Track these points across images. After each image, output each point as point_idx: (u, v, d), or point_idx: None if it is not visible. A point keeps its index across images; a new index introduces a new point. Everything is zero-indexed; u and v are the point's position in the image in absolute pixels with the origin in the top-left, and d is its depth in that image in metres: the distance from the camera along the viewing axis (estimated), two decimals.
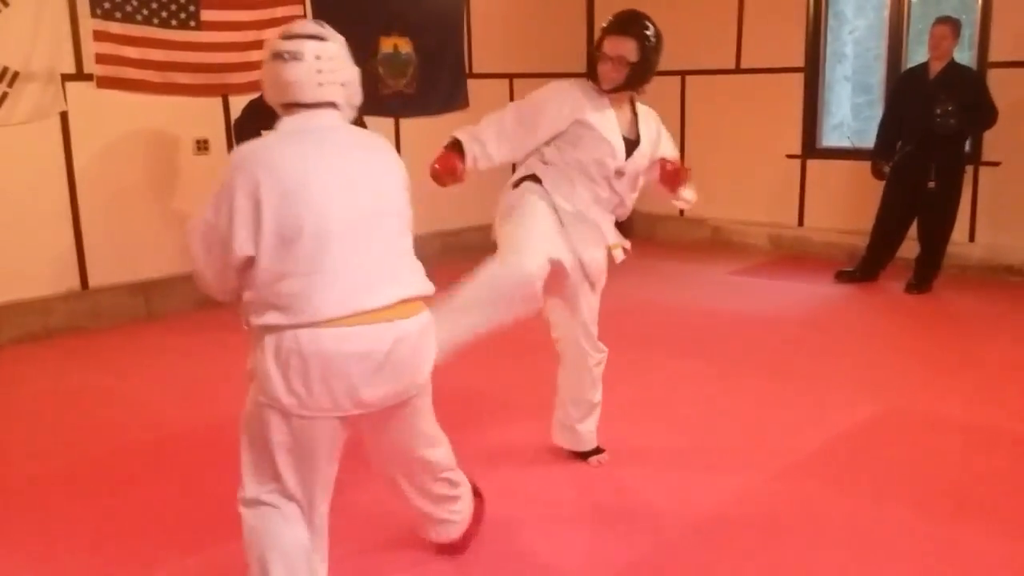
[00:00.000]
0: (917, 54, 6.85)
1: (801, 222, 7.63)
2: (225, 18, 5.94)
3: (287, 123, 2.32)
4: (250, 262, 2.20)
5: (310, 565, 2.34)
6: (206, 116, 6.02)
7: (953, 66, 6.03)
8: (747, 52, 7.67)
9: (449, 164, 3.19)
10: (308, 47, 2.27)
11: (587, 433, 3.54)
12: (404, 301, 2.30)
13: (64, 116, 5.40)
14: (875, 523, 3.03)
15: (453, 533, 2.79)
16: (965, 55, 6.61)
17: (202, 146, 6.02)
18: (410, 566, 2.80)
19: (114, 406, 4.28)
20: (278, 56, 2.28)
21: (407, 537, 2.95)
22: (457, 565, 2.80)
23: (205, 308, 6.03)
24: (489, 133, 3.19)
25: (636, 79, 3.19)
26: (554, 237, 3.18)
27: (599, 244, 3.32)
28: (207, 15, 5.85)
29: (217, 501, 3.27)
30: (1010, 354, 4.86)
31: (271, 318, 2.17)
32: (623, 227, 3.50)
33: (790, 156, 7.57)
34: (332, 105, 2.34)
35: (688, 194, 3.39)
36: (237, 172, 2.21)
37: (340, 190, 2.25)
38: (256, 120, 5.41)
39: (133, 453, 3.72)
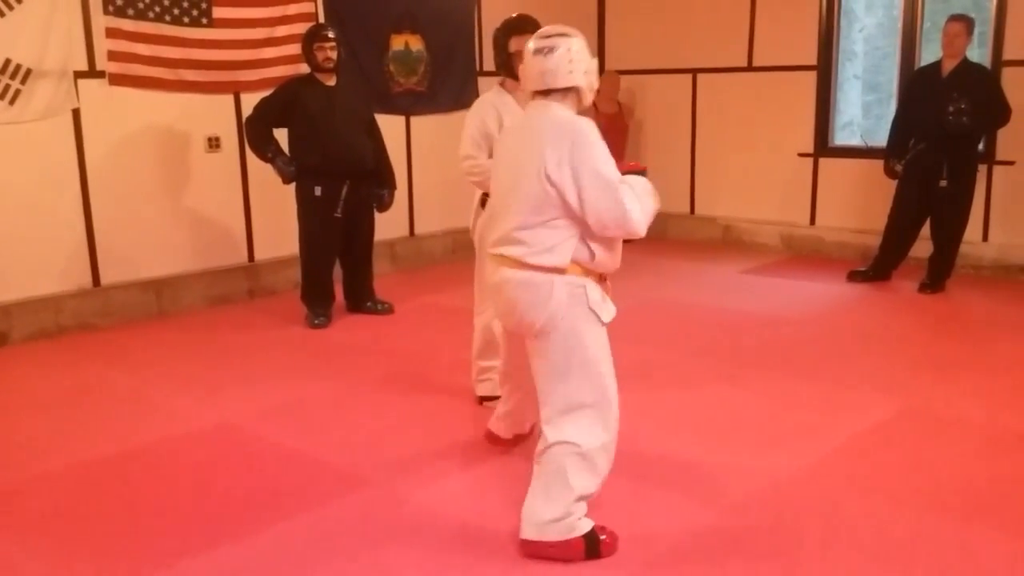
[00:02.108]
0: (928, 52, 6.82)
1: (813, 221, 7.60)
2: (237, 15, 5.95)
3: (532, 106, 2.91)
4: None
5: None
6: (218, 113, 6.02)
7: (966, 64, 5.99)
8: (759, 50, 7.65)
9: None
10: (561, 43, 2.80)
11: None
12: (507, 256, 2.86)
13: (76, 113, 5.40)
14: (892, 523, 3.01)
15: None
16: (978, 53, 6.57)
17: (214, 144, 6.02)
18: (418, 558, 2.80)
19: (125, 403, 4.28)
20: (539, 52, 2.81)
21: (423, 530, 2.96)
22: (471, 555, 2.81)
23: (218, 305, 6.06)
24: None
25: None
26: None
27: None
28: (219, 12, 5.86)
29: (230, 498, 3.28)
30: None
31: None
32: None
33: (802, 154, 7.54)
34: (576, 91, 2.85)
35: None
36: None
37: (506, 163, 2.93)
38: (267, 118, 5.44)
39: (145, 450, 3.72)
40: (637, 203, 2.74)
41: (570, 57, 2.80)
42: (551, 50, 2.80)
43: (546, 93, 2.84)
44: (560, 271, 2.78)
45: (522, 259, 2.81)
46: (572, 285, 2.80)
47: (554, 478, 2.82)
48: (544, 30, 2.88)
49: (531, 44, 2.86)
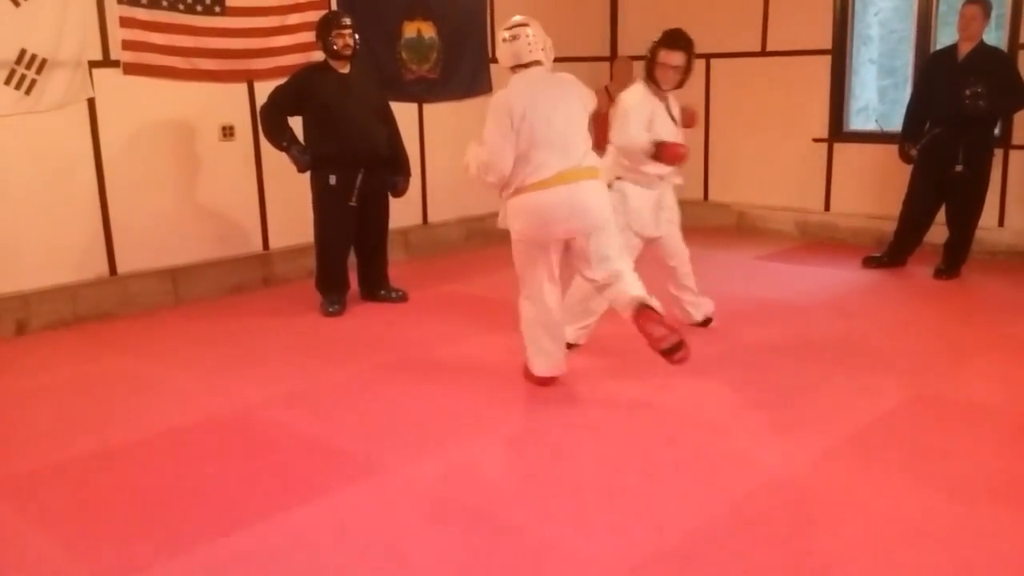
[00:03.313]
0: (944, 35, 6.76)
1: (828, 207, 7.56)
2: (249, 3, 5.95)
3: (520, 76, 3.95)
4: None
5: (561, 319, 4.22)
6: (232, 102, 6.04)
7: (983, 47, 5.94)
8: (773, 34, 7.60)
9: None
10: (522, 31, 3.91)
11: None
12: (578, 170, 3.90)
13: (91, 103, 5.43)
14: (909, 508, 3.01)
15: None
16: (995, 36, 6.51)
17: (228, 132, 6.04)
18: (433, 544, 2.82)
19: (143, 391, 4.32)
20: (507, 40, 3.94)
21: (437, 515, 2.98)
22: (479, 543, 2.83)
23: (233, 293, 6.09)
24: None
25: (684, 79, 4.62)
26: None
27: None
28: (232, 0, 5.86)
29: (246, 484, 3.30)
30: None
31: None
32: None
33: (816, 140, 7.50)
34: (539, 63, 3.95)
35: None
36: (500, 106, 3.85)
37: (545, 111, 3.85)
38: (282, 106, 5.44)
39: (162, 437, 3.76)
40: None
41: (529, 41, 3.91)
42: (515, 37, 3.92)
43: (516, 67, 3.95)
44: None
45: (595, 168, 3.95)
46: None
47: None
48: (509, 22, 3.95)
49: (501, 34, 3.96)
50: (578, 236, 3.92)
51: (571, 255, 4.03)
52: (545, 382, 4.19)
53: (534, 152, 3.83)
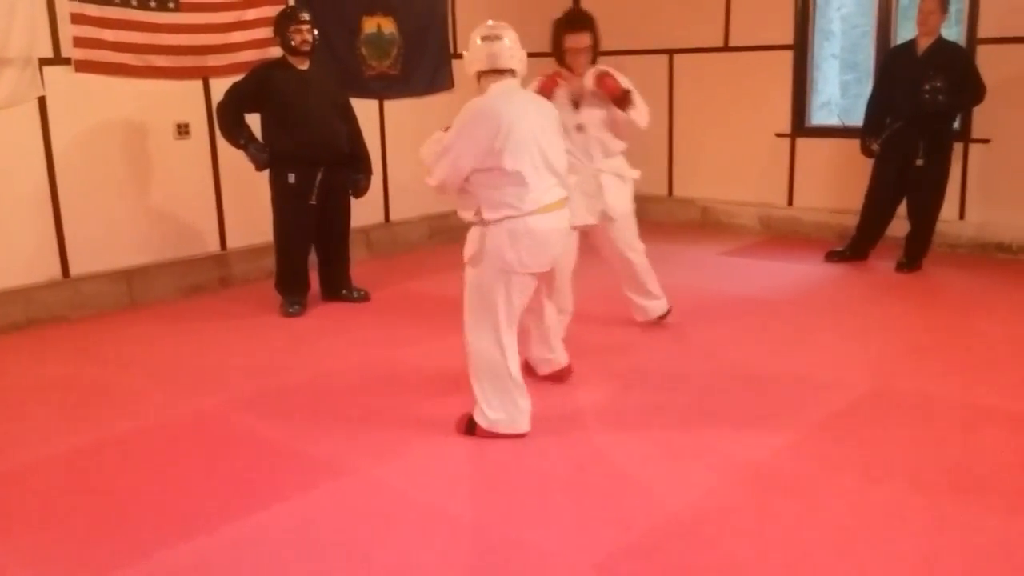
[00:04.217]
0: (905, 30, 6.81)
1: (791, 202, 7.59)
2: None
3: (499, 88, 3.54)
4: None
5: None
6: (187, 100, 5.92)
7: (941, 42, 5.98)
8: (735, 30, 7.61)
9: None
10: (505, 33, 3.56)
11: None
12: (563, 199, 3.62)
13: (42, 101, 5.30)
14: (870, 501, 3.01)
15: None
16: (953, 31, 6.57)
17: (183, 130, 5.92)
18: (396, 546, 2.77)
19: (99, 395, 4.22)
20: (486, 39, 3.54)
21: (400, 517, 2.93)
22: (444, 543, 2.78)
23: (190, 295, 5.98)
24: None
25: (594, 57, 4.49)
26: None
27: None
28: None
29: (206, 488, 3.24)
30: (1001, 331, 4.85)
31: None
32: None
33: (779, 135, 7.53)
34: (512, 72, 3.58)
35: (635, 114, 4.45)
36: (485, 117, 3.43)
37: (531, 130, 3.45)
38: (239, 103, 5.35)
39: (118, 442, 3.67)
40: None
41: (510, 46, 3.54)
42: (498, 38, 3.54)
43: (488, 73, 3.55)
44: None
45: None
46: None
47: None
48: (489, 24, 3.61)
49: (479, 34, 3.57)
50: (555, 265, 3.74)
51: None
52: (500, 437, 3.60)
53: (529, 172, 3.42)
